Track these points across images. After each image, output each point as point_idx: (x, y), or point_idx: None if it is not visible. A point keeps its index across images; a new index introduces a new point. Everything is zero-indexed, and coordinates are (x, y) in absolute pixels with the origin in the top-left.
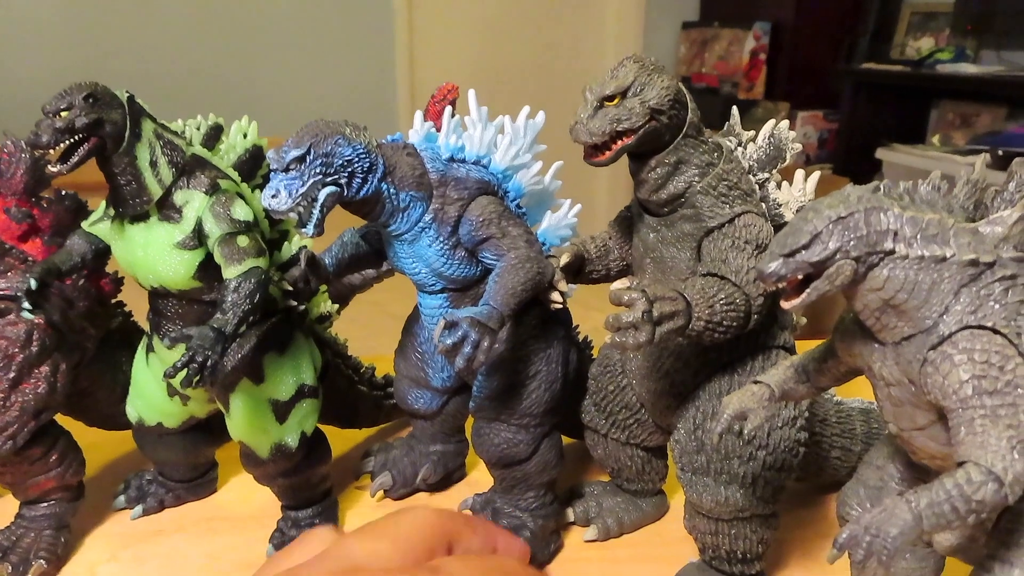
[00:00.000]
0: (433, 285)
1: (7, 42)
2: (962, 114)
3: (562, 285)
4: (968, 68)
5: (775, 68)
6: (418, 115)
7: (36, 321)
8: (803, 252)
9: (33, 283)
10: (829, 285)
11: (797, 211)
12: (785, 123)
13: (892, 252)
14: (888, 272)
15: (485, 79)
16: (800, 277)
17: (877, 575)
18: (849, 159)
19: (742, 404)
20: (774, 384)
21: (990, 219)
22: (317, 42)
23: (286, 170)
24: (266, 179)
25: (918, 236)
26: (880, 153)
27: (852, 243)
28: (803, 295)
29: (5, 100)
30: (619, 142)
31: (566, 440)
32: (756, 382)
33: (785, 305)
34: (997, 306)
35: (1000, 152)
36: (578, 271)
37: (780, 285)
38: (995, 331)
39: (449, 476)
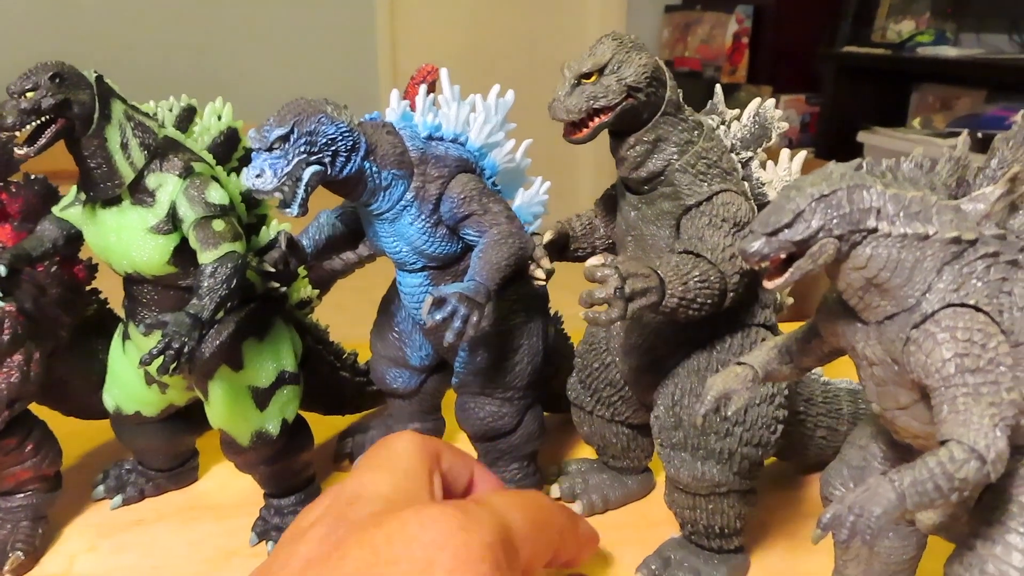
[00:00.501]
0: (414, 263)
1: None
2: (942, 97)
3: (545, 262)
4: (948, 51)
5: (758, 52)
6: (394, 93)
7: (7, 308)
8: (786, 231)
9: (2, 269)
10: (812, 264)
11: (780, 191)
12: (771, 102)
13: (875, 230)
14: (871, 250)
15: (467, 62)
16: (783, 256)
17: (861, 554)
18: (831, 142)
19: (726, 385)
20: (758, 365)
21: (972, 196)
22: (297, 24)
23: (269, 149)
24: (242, 162)
25: (901, 214)
26: (861, 136)
27: (835, 221)
28: (786, 274)
29: None
30: (596, 119)
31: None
32: (740, 363)
33: (768, 285)
34: (979, 284)
35: (979, 135)
36: (562, 249)
37: (763, 264)
38: (977, 309)
39: None
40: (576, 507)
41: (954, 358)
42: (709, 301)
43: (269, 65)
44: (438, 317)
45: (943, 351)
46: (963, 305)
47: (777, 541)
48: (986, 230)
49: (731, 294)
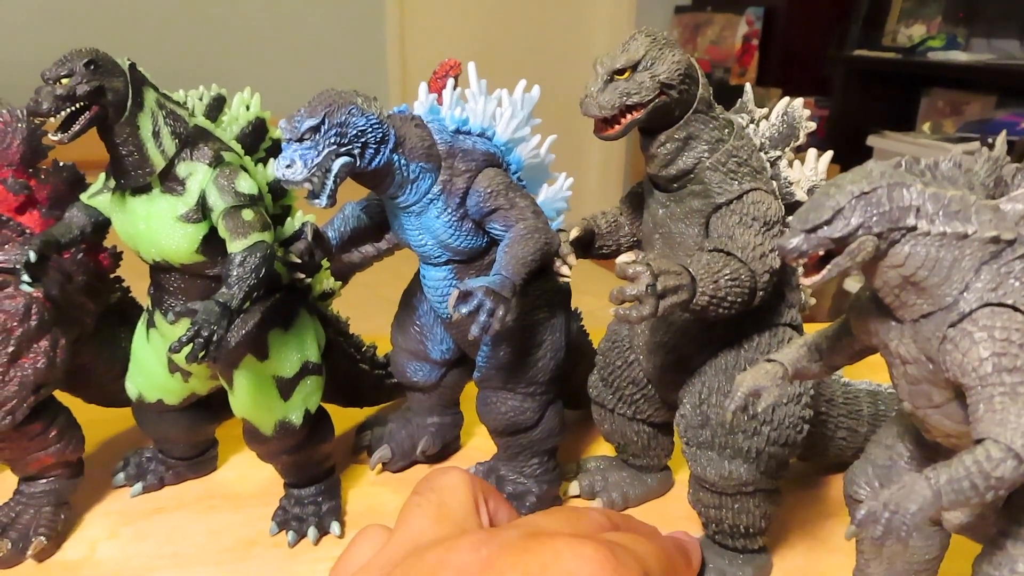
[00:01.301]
0: (439, 257)
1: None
2: (952, 102)
3: (571, 259)
4: (959, 56)
5: (767, 54)
6: (423, 87)
7: (35, 295)
8: (825, 228)
9: (32, 256)
10: (850, 261)
11: (808, 191)
12: (799, 101)
13: (914, 228)
14: (909, 248)
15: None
16: (821, 253)
17: (883, 553)
18: (840, 146)
19: (756, 382)
20: (787, 362)
21: (1011, 196)
22: (308, 22)
23: (300, 140)
24: (269, 152)
25: (940, 212)
26: (871, 140)
27: (874, 219)
28: (824, 271)
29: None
30: (628, 116)
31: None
32: (769, 360)
33: (805, 281)
34: (1017, 283)
35: (990, 140)
36: (588, 246)
37: (801, 261)
38: (1015, 309)
39: (446, 447)
40: (595, 504)
41: (991, 357)
42: (739, 300)
43: (278, 60)
44: (464, 311)
45: (980, 350)
46: (1001, 305)
47: (798, 541)
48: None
49: (760, 293)
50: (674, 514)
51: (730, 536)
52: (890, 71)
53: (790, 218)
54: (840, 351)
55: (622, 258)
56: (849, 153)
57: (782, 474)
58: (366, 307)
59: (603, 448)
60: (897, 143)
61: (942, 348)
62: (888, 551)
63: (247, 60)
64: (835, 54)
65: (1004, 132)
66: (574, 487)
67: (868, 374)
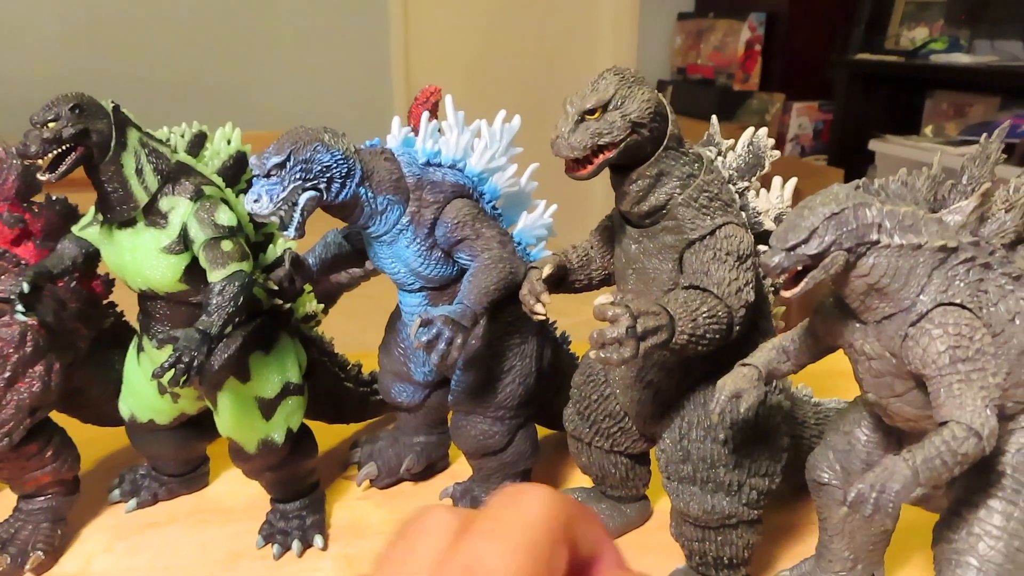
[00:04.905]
0: (412, 284)
1: (3, 45)
2: (955, 105)
3: (545, 296)
4: (962, 58)
5: (770, 59)
6: (395, 120)
7: (30, 322)
8: (802, 246)
9: (26, 286)
10: (824, 274)
11: (775, 219)
12: (764, 131)
13: (877, 242)
14: (874, 260)
15: (480, 72)
16: (799, 268)
17: (855, 526)
18: (843, 150)
19: (736, 385)
20: (760, 365)
21: (951, 209)
22: (313, 40)
23: (267, 176)
24: (250, 184)
25: (897, 227)
26: (874, 144)
27: (844, 236)
28: (801, 284)
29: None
30: (600, 156)
31: (542, 432)
32: (744, 364)
33: (785, 294)
34: (962, 284)
35: (991, 143)
36: (560, 281)
37: (781, 276)
38: (963, 307)
39: (432, 466)
40: None
41: (948, 350)
42: (717, 336)
43: (285, 79)
44: (424, 339)
45: (938, 344)
46: (951, 304)
47: (774, 561)
48: (963, 238)
49: (737, 327)
50: (652, 543)
51: (714, 568)
52: (893, 74)
53: (763, 247)
54: (806, 351)
55: (600, 300)
56: (852, 157)
57: (763, 504)
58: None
59: (581, 477)
60: (900, 147)
61: (904, 345)
62: (849, 527)
63: (253, 74)
64: (837, 58)
65: (940, 153)
66: None
67: (838, 393)
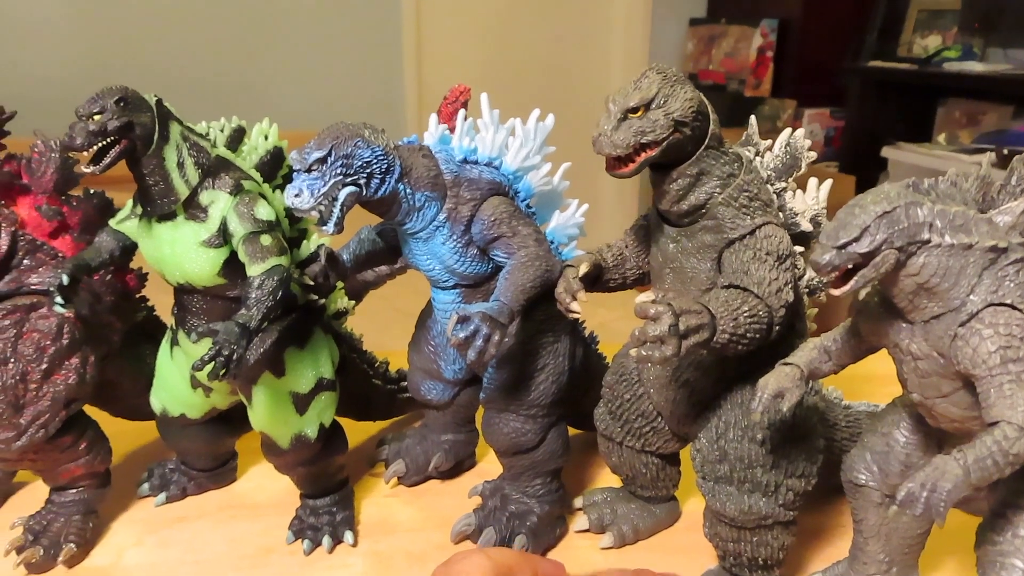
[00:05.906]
0: (446, 281)
1: (25, 42)
2: (968, 112)
3: (582, 295)
4: (975, 66)
5: (782, 65)
6: (433, 118)
7: (67, 315)
8: (854, 244)
9: (64, 279)
10: (875, 272)
11: (812, 220)
12: (801, 131)
13: (928, 241)
14: (924, 259)
15: (492, 77)
16: (849, 266)
17: (892, 528)
18: (855, 157)
19: (779, 384)
20: (802, 364)
21: (1000, 209)
22: (326, 43)
23: (308, 170)
24: (286, 179)
25: (948, 226)
26: (886, 152)
27: (896, 234)
28: (851, 282)
29: (24, 99)
30: (643, 154)
31: (572, 432)
32: (785, 363)
33: (834, 292)
34: (1012, 285)
35: (1005, 151)
36: (595, 280)
37: (832, 275)
38: (1013, 307)
39: (460, 464)
40: (606, 539)
41: (999, 351)
42: (758, 335)
43: (297, 80)
44: (461, 335)
45: (989, 345)
46: (1001, 304)
47: (807, 563)
48: (1013, 239)
49: (776, 327)
50: (679, 544)
51: (748, 568)
52: (906, 82)
53: (798, 248)
54: (848, 352)
55: (641, 298)
56: (864, 164)
57: (799, 505)
58: (383, 320)
59: (609, 476)
60: (912, 154)
61: (954, 345)
62: (886, 529)
63: (265, 74)
64: (850, 65)
65: (989, 154)
66: (582, 521)
67: (867, 396)
